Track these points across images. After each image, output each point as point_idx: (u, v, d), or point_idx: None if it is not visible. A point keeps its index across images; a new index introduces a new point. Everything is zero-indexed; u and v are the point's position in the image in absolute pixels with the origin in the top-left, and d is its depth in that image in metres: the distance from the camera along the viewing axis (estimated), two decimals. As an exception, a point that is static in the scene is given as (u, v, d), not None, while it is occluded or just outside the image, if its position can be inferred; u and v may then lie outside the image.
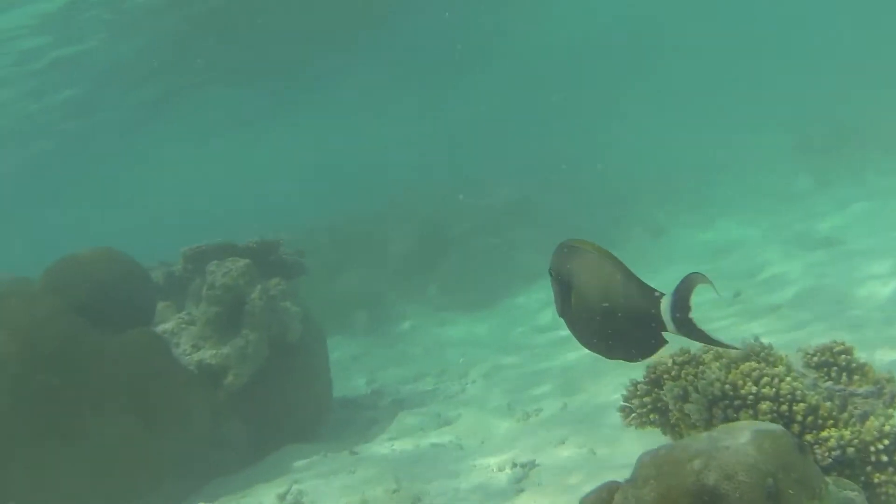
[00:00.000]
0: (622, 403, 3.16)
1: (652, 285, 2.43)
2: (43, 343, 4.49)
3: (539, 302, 11.59)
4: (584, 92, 32.55)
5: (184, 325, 5.68)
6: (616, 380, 6.15)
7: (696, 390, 2.82)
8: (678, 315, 2.35)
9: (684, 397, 2.88)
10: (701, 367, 2.92)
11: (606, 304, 2.48)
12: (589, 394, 6.44)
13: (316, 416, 7.17)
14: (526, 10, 22.07)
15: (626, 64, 34.56)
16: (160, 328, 5.62)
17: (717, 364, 2.89)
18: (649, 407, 3.06)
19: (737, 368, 2.79)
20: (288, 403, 6.68)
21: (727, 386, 2.74)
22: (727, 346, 2.46)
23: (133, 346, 4.97)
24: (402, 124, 34.68)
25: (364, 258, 14.16)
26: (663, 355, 2.92)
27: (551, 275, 2.64)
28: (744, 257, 11.03)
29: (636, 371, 3.16)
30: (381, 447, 6.27)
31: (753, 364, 2.79)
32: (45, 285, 5.29)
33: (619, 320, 2.47)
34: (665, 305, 2.37)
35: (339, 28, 17.22)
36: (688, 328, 2.34)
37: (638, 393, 3.10)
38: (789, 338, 6.01)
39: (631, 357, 2.52)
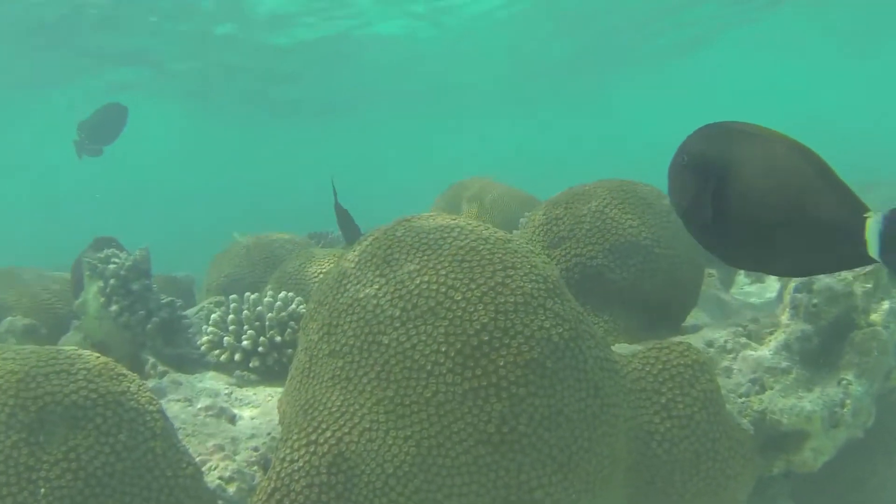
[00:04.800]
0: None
1: None
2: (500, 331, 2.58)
3: None
4: None
5: (743, 341, 3.36)
6: None
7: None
8: (891, 238, 1.46)
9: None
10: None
11: (790, 213, 1.57)
12: None
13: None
14: None
15: None
16: (706, 337, 3.38)
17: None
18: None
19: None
20: (878, 497, 3.99)
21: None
22: None
23: (650, 370, 2.83)
24: None
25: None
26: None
27: (683, 160, 1.69)
28: None
29: None
30: None
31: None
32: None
33: (799, 238, 1.57)
34: (875, 221, 1.52)
35: None
36: None
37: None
38: None
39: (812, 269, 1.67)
